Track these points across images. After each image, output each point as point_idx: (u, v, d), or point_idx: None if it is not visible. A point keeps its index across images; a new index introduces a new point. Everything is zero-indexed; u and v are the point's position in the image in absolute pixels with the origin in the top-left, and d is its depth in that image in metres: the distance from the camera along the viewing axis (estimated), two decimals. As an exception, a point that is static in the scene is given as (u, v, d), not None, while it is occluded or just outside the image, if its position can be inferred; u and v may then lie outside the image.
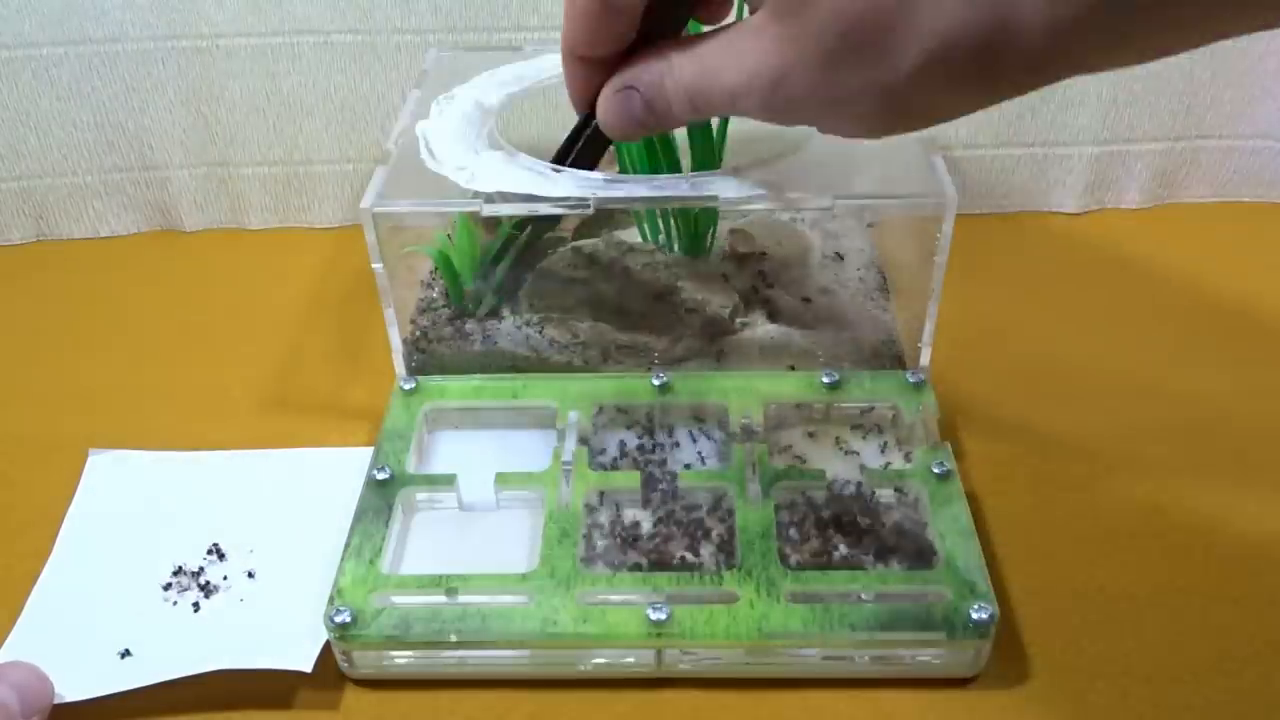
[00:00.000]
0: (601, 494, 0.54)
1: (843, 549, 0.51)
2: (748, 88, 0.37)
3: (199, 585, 0.52)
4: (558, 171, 0.53)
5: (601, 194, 0.53)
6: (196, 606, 0.51)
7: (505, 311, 0.63)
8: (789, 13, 0.35)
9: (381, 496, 0.53)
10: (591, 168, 0.50)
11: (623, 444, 0.57)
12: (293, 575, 0.52)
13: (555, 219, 0.64)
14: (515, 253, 0.62)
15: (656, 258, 0.63)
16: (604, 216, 0.68)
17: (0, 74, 0.73)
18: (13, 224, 0.79)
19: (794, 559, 0.50)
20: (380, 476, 0.53)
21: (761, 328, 0.63)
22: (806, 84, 0.36)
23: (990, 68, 0.33)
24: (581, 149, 0.48)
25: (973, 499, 0.54)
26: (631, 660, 0.48)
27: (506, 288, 0.63)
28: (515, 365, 0.61)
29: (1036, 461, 0.58)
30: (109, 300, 0.74)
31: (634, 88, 0.41)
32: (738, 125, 0.63)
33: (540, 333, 0.62)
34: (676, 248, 0.66)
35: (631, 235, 0.67)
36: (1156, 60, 0.33)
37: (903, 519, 0.52)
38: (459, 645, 0.47)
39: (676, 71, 0.40)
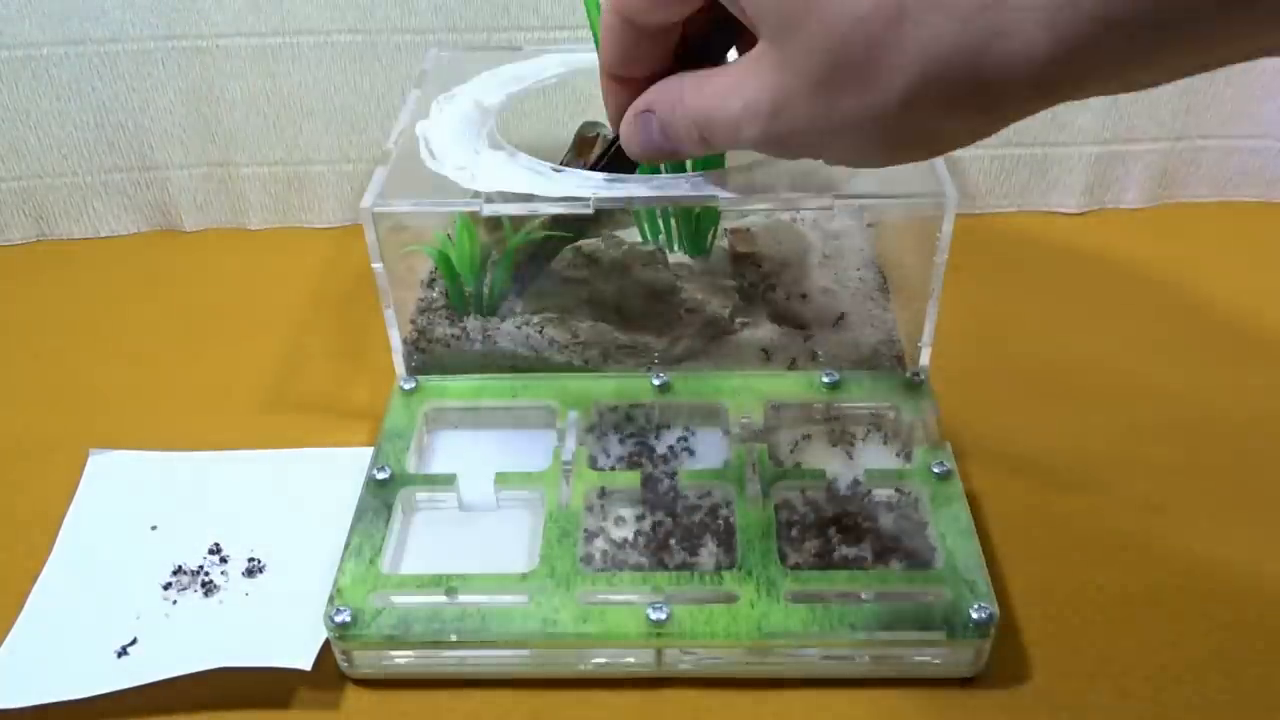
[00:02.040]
0: (602, 494, 0.54)
1: (843, 549, 0.51)
2: (750, 116, 0.36)
3: (199, 584, 0.52)
4: (558, 171, 0.53)
5: (601, 194, 0.53)
6: (196, 606, 0.51)
7: (506, 310, 0.63)
8: (781, 37, 0.34)
9: (381, 496, 0.53)
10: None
11: (623, 444, 0.57)
12: (293, 575, 0.52)
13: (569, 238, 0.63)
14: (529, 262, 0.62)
15: (656, 258, 0.63)
16: (604, 216, 0.67)
17: (0, 74, 0.73)
18: (13, 224, 0.79)
19: (794, 559, 0.50)
20: (380, 476, 0.53)
21: (761, 328, 0.63)
22: (804, 111, 0.34)
23: (988, 90, 0.31)
24: (607, 165, 0.49)
25: (973, 499, 0.54)
26: (631, 660, 0.48)
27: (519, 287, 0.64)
28: (515, 365, 0.61)
29: (1036, 461, 0.58)
30: (109, 300, 0.73)
31: (651, 111, 0.41)
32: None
33: (540, 333, 0.62)
34: (676, 248, 0.66)
35: (631, 235, 0.67)
36: (1169, 82, 0.31)
37: (903, 519, 0.52)
38: (459, 645, 0.47)
39: (687, 98, 0.39)
